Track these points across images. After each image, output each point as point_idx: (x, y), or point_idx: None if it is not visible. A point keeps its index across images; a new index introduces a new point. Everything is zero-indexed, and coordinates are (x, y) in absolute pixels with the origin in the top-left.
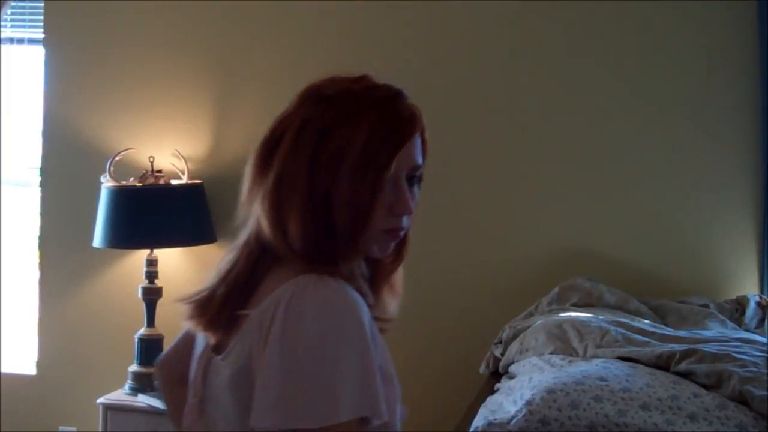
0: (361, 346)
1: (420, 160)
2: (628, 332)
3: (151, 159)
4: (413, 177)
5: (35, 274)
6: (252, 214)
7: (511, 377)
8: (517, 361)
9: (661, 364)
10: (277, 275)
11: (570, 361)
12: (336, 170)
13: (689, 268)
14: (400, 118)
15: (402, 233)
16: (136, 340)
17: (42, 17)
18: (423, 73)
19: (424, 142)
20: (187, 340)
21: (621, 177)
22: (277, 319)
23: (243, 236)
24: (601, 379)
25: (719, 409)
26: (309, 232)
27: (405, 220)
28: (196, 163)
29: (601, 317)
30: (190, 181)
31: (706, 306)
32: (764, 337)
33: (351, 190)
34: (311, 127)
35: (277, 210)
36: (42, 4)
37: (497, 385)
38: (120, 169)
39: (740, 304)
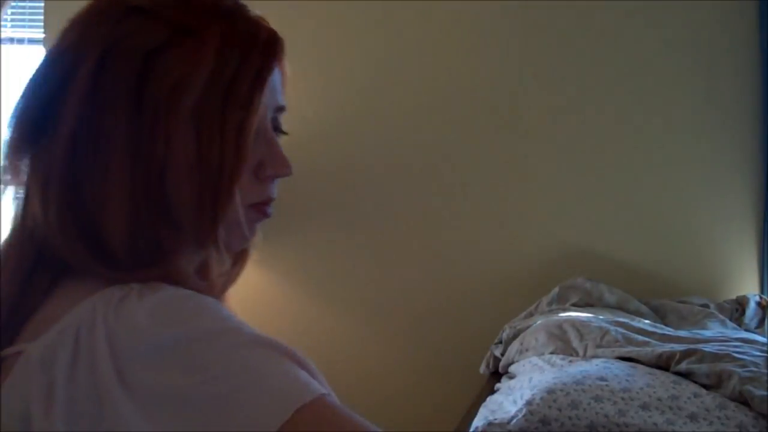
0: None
1: (283, 100)
2: (628, 332)
3: None
4: (278, 124)
5: None
6: (13, 210)
7: (511, 377)
8: (517, 361)
9: (661, 364)
10: (67, 293)
11: (570, 361)
12: (174, 117)
13: (689, 268)
14: (257, 37)
15: (270, 210)
16: None
17: (42, 17)
18: (424, 73)
19: (284, 75)
20: None
21: (621, 177)
22: (98, 359)
23: None
24: (601, 379)
25: (719, 409)
26: (139, 223)
27: (275, 188)
28: None
29: (601, 317)
30: None
31: (706, 306)
32: (764, 337)
33: (202, 147)
34: (123, 52)
35: (75, 193)
36: (42, 4)
37: (497, 385)
38: None
39: (740, 304)
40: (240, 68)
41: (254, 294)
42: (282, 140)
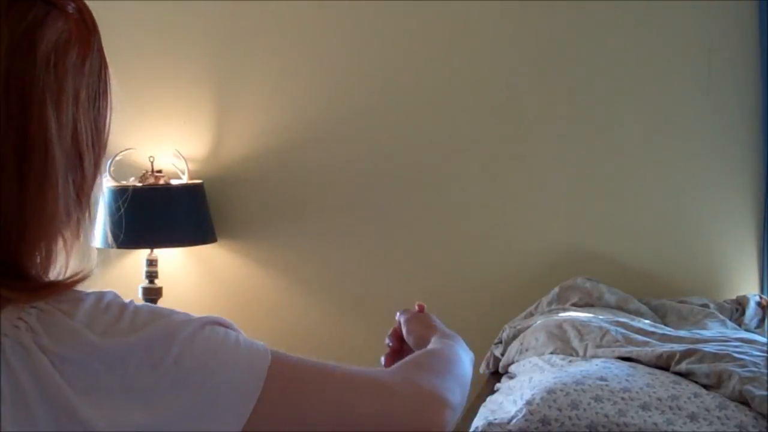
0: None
1: None
2: (628, 332)
3: (151, 159)
4: None
5: None
6: None
7: (511, 377)
8: (517, 361)
9: (661, 364)
10: None
11: (570, 361)
12: (81, 105)
13: (689, 268)
14: (91, 16)
15: None
16: None
17: None
18: (423, 73)
19: None
20: None
21: (621, 177)
22: (51, 388)
23: None
24: (601, 379)
25: (719, 409)
26: (53, 229)
27: None
28: (196, 163)
29: (601, 317)
30: (190, 181)
31: (706, 306)
32: (764, 337)
33: (96, 131)
34: (33, 47)
35: None
36: None
37: (497, 385)
38: (120, 169)
39: (740, 304)
40: (101, 57)
41: (254, 293)
42: (282, 140)
